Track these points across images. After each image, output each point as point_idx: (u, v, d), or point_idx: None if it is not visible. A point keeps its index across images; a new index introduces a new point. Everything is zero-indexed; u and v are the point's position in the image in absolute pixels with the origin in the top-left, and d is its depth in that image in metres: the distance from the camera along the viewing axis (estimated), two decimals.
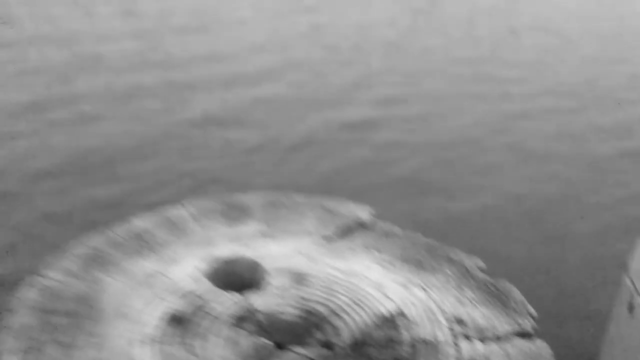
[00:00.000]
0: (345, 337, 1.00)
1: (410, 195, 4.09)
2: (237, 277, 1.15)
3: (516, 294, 1.12)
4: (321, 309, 1.06)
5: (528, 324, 1.04)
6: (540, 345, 1.01)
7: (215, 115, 5.24)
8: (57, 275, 1.05)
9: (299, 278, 1.12)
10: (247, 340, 0.97)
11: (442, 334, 1.01)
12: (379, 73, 6.64)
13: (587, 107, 5.93)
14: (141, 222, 1.22)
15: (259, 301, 1.06)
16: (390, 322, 1.03)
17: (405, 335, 1.01)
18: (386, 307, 1.06)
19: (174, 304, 1.02)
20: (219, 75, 6.30)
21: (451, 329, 1.02)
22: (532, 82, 6.57)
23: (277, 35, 7.91)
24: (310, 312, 1.05)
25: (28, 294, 1.01)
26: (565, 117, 5.67)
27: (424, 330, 1.02)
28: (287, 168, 4.45)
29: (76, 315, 0.97)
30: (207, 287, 1.07)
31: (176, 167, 4.29)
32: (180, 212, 1.26)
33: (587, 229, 3.71)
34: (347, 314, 1.05)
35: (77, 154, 4.37)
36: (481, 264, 1.20)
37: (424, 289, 1.11)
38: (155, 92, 5.62)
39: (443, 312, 1.06)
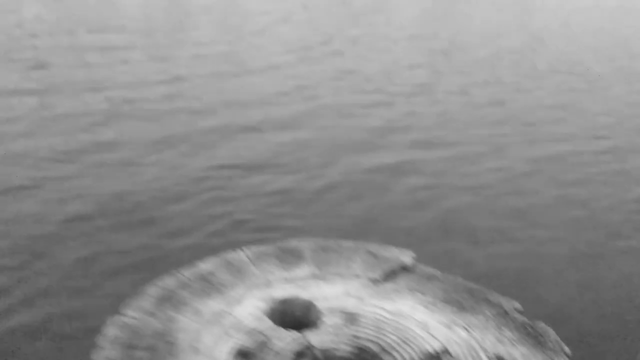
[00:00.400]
0: None
1: (444, 237, 4.17)
2: (293, 316, 1.26)
3: (552, 334, 1.21)
4: (372, 346, 1.16)
5: None
6: None
7: (247, 160, 5.41)
8: (136, 313, 1.18)
9: (351, 318, 1.23)
10: None
11: None
12: (406, 117, 6.80)
13: (619, 149, 6.00)
14: (206, 265, 1.34)
15: (315, 338, 1.17)
16: (436, 359, 1.13)
17: None
18: (432, 345, 1.16)
19: (241, 340, 1.14)
20: (248, 119, 6.51)
21: None
22: (560, 124, 6.68)
23: (306, 80, 8.13)
24: (362, 350, 1.16)
25: (111, 331, 1.13)
26: (596, 159, 5.74)
27: None
28: (317, 210, 4.57)
29: (156, 350, 1.09)
30: (268, 325, 1.18)
31: (208, 211, 4.43)
32: (240, 255, 1.39)
33: (617, 272, 3.75)
34: (397, 351, 1.15)
35: (110, 199, 4.53)
36: (518, 305, 1.30)
37: (466, 329, 1.21)
38: (186, 137, 5.80)
39: (485, 350, 1.15)
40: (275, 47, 9.54)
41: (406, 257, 1.44)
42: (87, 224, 4.13)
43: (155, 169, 5.16)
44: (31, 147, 5.43)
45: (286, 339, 1.15)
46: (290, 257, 1.42)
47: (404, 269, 1.42)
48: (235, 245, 1.47)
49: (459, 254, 3.89)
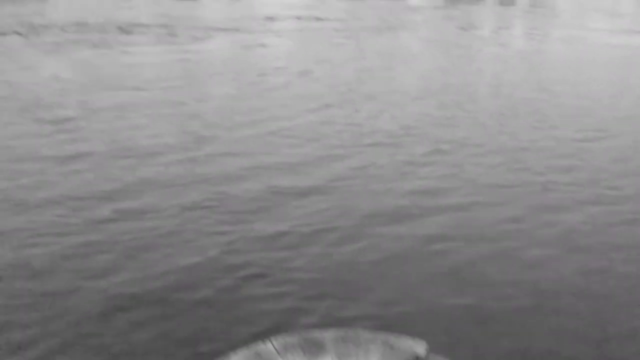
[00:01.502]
0: None
1: (459, 288, 4.27)
2: None
3: None
4: None
5: None
6: None
7: (255, 208, 5.58)
8: None
9: None
10: None
11: None
12: (418, 164, 6.99)
13: (631, 198, 6.12)
14: (237, 357, 1.49)
15: None
16: None
17: None
18: None
19: None
20: (260, 166, 6.77)
21: None
22: (572, 172, 6.84)
23: (314, 128, 8.35)
24: None
25: None
26: (610, 207, 5.85)
27: None
28: (331, 261, 4.70)
29: None
30: None
31: (219, 262, 4.60)
32: (268, 347, 1.53)
33: None
34: None
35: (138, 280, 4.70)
36: None
37: None
38: (213, 204, 5.97)
39: None
40: (295, 104, 9.79)
41: (420, 348, 1.57)
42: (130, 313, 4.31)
43: (166, 218, 5.35)
44: (50, 216, 5.66)
45: None
46: (313, 348, 1.55)
47: (418, 359, 1.55)
48: (262, 334, 1.61)
49: (475, 306, 3.99)
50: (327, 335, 1.62)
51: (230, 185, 6.42)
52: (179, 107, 9.45)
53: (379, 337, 1.63)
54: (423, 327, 3.72)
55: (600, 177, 6.81)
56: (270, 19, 21.91)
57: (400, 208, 5.88)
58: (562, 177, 6.78)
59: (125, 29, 17.96)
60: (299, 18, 22.27)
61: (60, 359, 3.58)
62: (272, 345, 1.57)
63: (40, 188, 6.26)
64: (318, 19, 22.37)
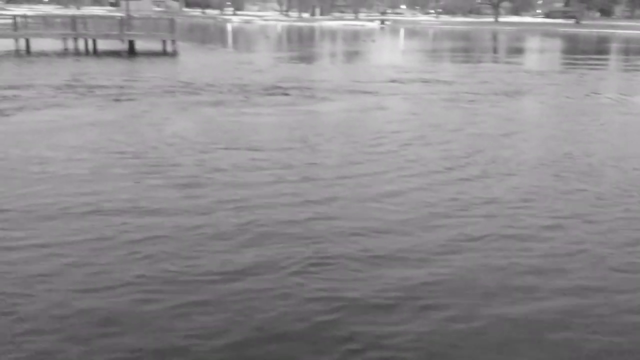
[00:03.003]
0: None
1: None
2: None
3: None
4: None
5: None
6: None
7: (375, 299, 5.53)
8: None
9: None
10: None
11: None
12: (537, 239, 6.68)
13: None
14: None
15: None
16: None
17: None
18: None
19: None
20: (367, 230, 6.74)
21: None
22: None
23: (423, 194, 8.21)
24: None
25: None
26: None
27: None
28: (441, 338, 4.55)
29: None
30: None
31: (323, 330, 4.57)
32: None
33: None
34: None
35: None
36: None
37: None
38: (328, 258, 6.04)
39: None
40: (407, 170, 9.76)
41: None
42: None
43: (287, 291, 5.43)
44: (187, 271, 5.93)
45: None
46: None
47: None
48: None
49: None
50: None
51: (340, 247, 6.47)
52: (295, 170, 9.70)
53: None
54: None
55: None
56: (390, 81, 22.26)
57: (518, 288, 5.58)
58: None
59: (247, 90, 18.93)
60: (415, 81, 22.47)
61: None
62: None
63: (163, 242, 6.63)
64: (435, 82, 22.45)
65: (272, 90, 19.21)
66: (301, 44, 49.89)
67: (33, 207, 7.61)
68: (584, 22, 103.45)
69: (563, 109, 17.02)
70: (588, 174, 9.83)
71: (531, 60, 38.16)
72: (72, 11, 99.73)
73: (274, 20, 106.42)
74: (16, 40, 31.10)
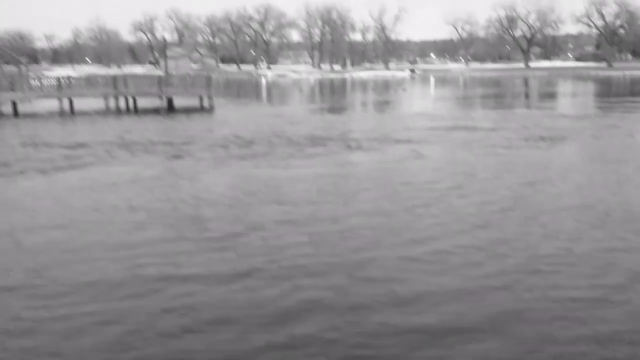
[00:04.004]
0: None
1: None
2: None
3: None
4: None
5: None
6: None
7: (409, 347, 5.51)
8: None
9: None
10: None
11: None
12: (587, 300, 6.58)
13: None
14: None
15: None
16: None
17: None
18: None
19: None
20: (410, 297, 6.74)
21: None
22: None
23: (465, 251, 8.12)
24: None
25: None
26: None
27: None
28: None
29: None
30: None
31: None
32: None
33: None
34: None
35: None
36: None
37: None
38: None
39: None
40: (445, 223, 9.71)
41: None
42: None
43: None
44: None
45: None
46: None
47: None
48: None
49: None
50: None
51: (386, 316, 6.44)
52: (332, 225, 9.75)
53: None
54: None
55: None
56: (423, 130, 22.34)
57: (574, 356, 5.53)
58: None
59: (281, 143, 19.21)
60: (448, 129, 22.51)
61: None
62: None
63: (211, 308, 6.74)
64: (469, 129, 22.45)
65: (307, 141, 19.46)
66: (333, 95, 50.61)
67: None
68: (615, 64, 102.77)
69: (601, 155, 16.81)
70: (632, 228, 9.65)
71: (565, 104, 37.93)
72: (113, 70, 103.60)
73: (306, 73, 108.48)
74: (60, 100, 32.32)
